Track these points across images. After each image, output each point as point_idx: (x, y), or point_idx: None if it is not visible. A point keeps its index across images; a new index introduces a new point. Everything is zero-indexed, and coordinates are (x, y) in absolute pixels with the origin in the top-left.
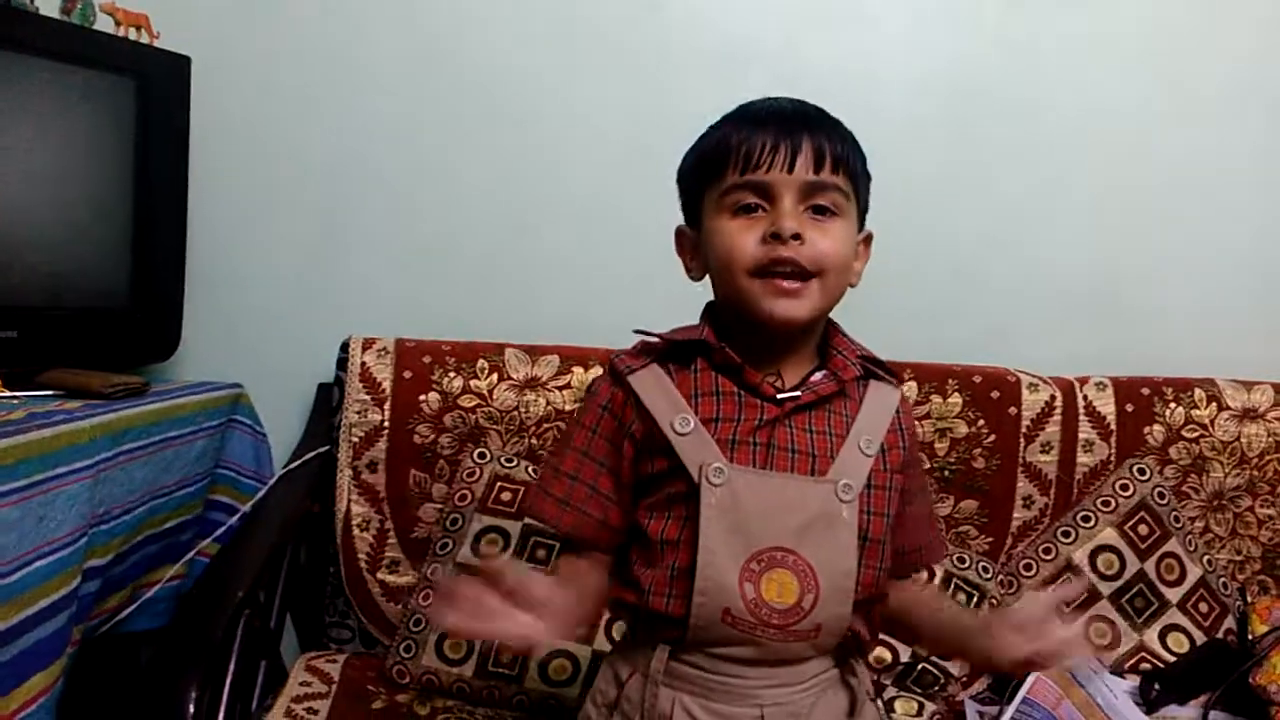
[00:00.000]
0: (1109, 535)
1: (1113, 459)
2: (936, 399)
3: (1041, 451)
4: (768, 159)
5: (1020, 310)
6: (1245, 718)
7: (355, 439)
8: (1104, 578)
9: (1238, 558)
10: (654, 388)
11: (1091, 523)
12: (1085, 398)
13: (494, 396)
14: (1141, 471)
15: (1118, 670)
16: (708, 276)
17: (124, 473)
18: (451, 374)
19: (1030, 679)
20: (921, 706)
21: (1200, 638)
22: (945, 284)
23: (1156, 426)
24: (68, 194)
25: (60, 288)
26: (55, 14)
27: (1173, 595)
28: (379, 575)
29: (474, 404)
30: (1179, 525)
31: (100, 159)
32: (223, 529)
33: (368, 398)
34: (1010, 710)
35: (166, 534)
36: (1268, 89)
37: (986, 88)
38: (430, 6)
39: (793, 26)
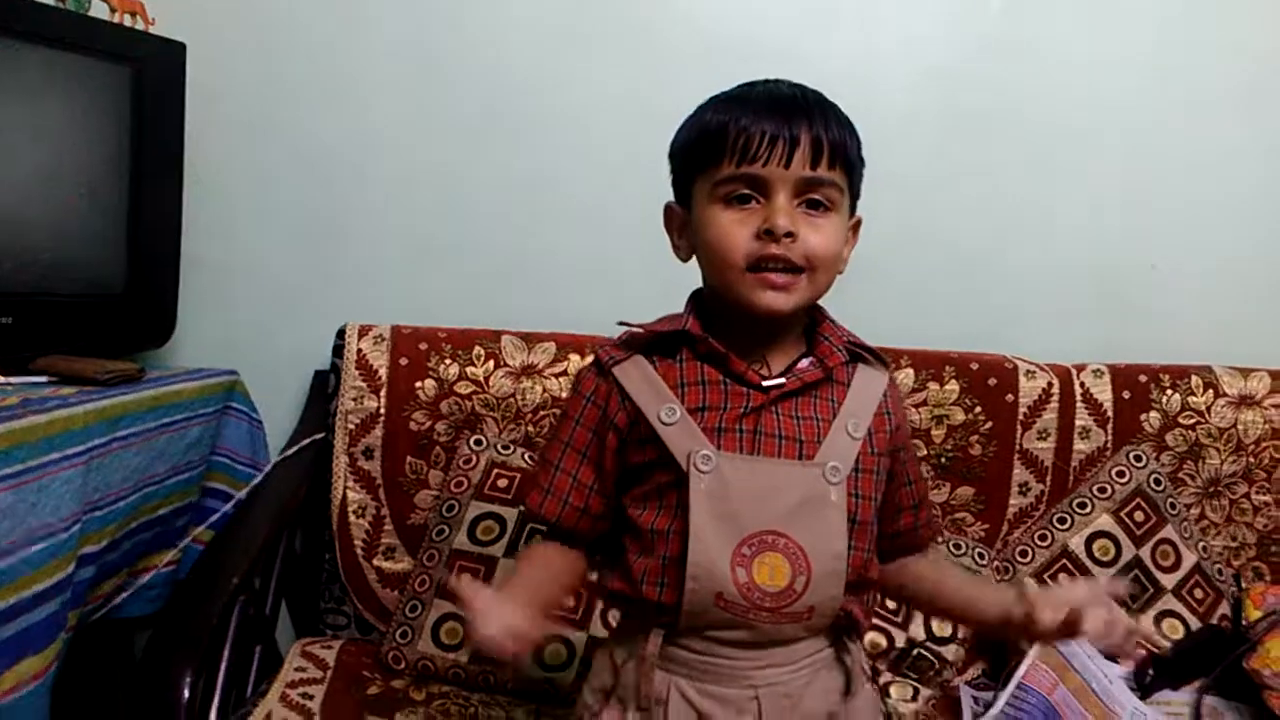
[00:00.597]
0: (1105, 522)
1: (1109, 446)
2: (934, 386)
3: (1038, 438)
4: (764, 152)
5: (1018, 298)
6: (1239, 702)
7: (351, 426)
8: (1100, 564)
9: (1233, 544)
10: (639, 379)
11: (1088, 509)
12: (1082, 385)
13: (490, 383)
14: (1138, 458)
15: (1112, 656)
16: (695, 258)
17: (118, 459)
18: (448, 361)
19: (1025, 664)
20: (916, 691)
21: (1195, 623)
22: (943, 272)
23: (1153, 413)
24: (62, 180)
25: (55, 274)
26: (50, 0)
27: (1168, 581)
28: (375, 562)
29: (470, 391)
30: (1175, 512)
31: (95, 146)
32: (217, 515)
33: (364, 384)
34: (1005, 695)
35: (161, 520)
36: (1264, 81)
37: (986, 79)
38: None
39: (792, 25)
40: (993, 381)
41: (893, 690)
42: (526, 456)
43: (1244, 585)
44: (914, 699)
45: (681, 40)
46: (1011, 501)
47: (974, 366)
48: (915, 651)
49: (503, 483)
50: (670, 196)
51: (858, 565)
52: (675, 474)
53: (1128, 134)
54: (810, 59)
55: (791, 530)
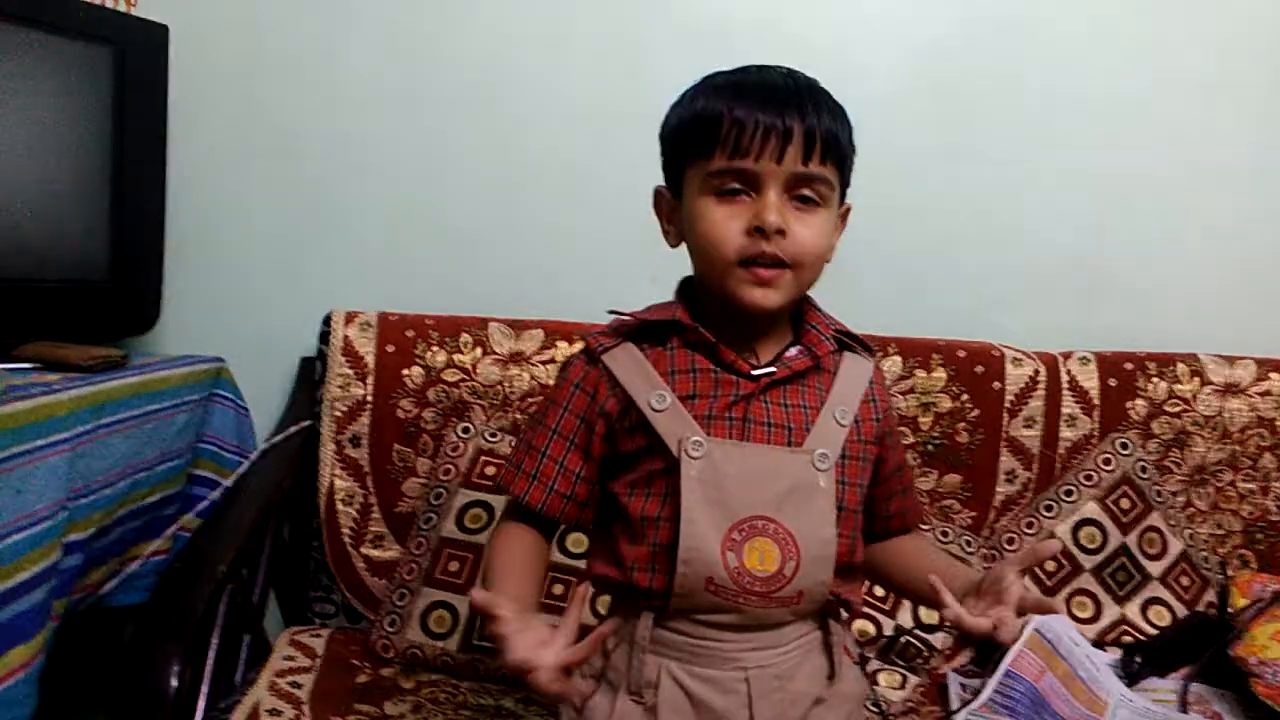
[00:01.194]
0: (1091, 509)
1: (1095, 433)
2: (920, 373)
3: (1025, 426)
4: (757, 146)
5: (1005, 285)
6: (1225, 689)
7: (338, 413)
8: (1086, 551)
9: (1219, 532)
10: (629, 366)
11: (1074, 497)
12: (1069, 372)
13: (478, 371)
14: (1124, 446)
15: (1099, 643)
16: (684, 245)
17: (103, 446)
18: (435, 348)
19: (1013, 652)
20: (905, 679)
21: (1181, 611)
22: (930, 259)
23: (1139, 401)
24: (44, 165)
25: (38, 260)
26: None
27: (1154, 569)
28: (363, 550)
29: (458, 378)
30: (1161, 499)
31: (77, 129)
32: (205, 503)
33: (350, 372)
34: (993, 683)
35: (149, 509)
36: (1255, 65)
37: (972, 63)
38: None
39: (774, 1)
40: (980, 369)
41: (881, 678)
42: (514, 444)
43: (1230, 573)
44: (902, 686)
45: (666, 18)
46: (998, 489)
47: (961, 354)
48: (903, 639)
49: (490, 470)
50: (660, 179)
51: (844, 551)
52: (666, 461)
53: (1115, 117)
54: (791, 37)
55: (781, 516)
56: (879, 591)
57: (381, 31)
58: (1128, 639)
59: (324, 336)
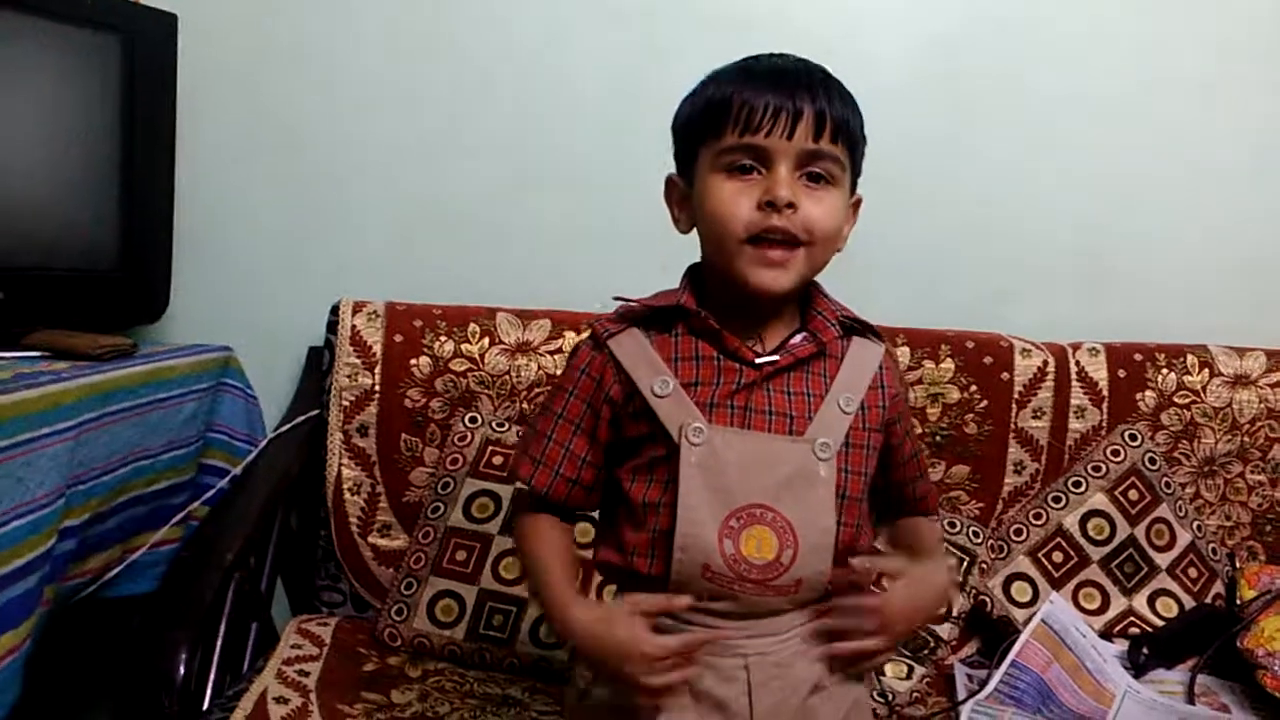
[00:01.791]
0: (1099, 500)
1: (1104, 425)
2: (929, 364)
3: (1033, 417)
4: (768, 123)
5: (1012, 277)
6: (1232, 681)
7: (346, 403)
8: (1094, 543)
9: (1227, 523)
10: (633, 351)
11: (1082, 488)
12: (1078, 363)
13: (485, 361)
14: (1133, 437)
15: (1106, 634)
16: (695, 231)
17: (107, 433)
18: (443, 338)
19: (1019, 643)
20: (911, 670)
21: (1189, 603)
22: (938, 250)
23: (1148, 392)
24: (54, 154)
25: (47, 249)
26: None
27: (1162, 560)
28: (370, 539)
29: (465, 368)
30: (1169, 491)
31: (86, 119)
32: (212, 492)
33: (358, 361)
34: (999, 674)
35: (156, 496)
36: (1258, 56)
37: (978, 55)
38: None
39: None
40: (988, 360)
41: (887, 669)
42: (521, 434)
43: (1238, 565)
44: (908, 677)
45: (673, 11)
46: (1006, 480)
47: (969, 345)
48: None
49: (498, 460)
50: (671, 168)
51: (847, 540)
52: (667, 447)
53: (1121, 112)
54: (798, 32)
55: (780, 505)
56: (885, 583)
57: (390, 21)
58: (1135, 630)
59: (332, 326)
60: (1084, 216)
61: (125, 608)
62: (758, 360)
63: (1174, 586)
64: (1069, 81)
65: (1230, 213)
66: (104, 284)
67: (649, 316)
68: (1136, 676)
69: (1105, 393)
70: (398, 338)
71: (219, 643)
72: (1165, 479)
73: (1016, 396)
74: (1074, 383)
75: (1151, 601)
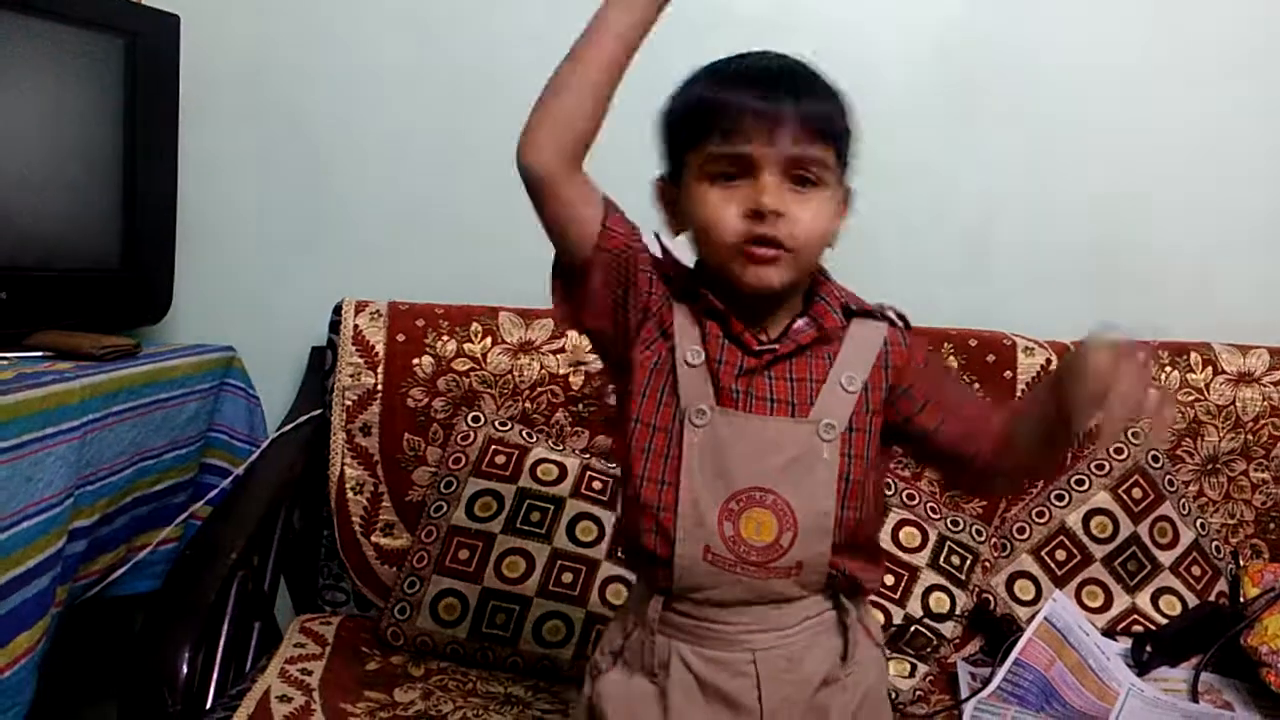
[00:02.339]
0: (1102, 499)
1: None
2: None
3: None
4: (750, 130)
5: (1017, 274)
6: (1236, 679)
7: (348, 402)
8: (1097, 541)
9: (1231, 521)
10: (682, 310)
11: (1085, 486)
12: None
13: (488, 360)
14: (1136, 435)
15: (1110, 633)
16: (687, 234)
17: (112, 434)
18: (445, 337)
19: (1022, 641)
20: (914, 668)
21: (1192, 601)
22: (941, 248)
23: (1151, 390)
24: (57, 154)
25: (50, 250)
26: None
27: (1165, 558)
28: (373, 538)
29: (467, 367)
30: (1173, 489)
31: (89, 119)
32: (215, 491)
33: (361, 361)
34: (1002, 671)
35: (158, 496)
36: (1269, 49)
37: (984, 49)
38: None
39: None
40: (991, 358)
41: (890, 667)
42: (524, 433)
43: (1242, 562)
44: (911, 675)
45: (679, 7)
46: None
47: (972, 343)
48: (913, 628)
49: (500, 459)
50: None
51: (850, 526)
52: (671, 419)
53: (1128, 106)
54: (800, 29)
55: (780, 487)
56: (889, 580)
57: (392, 21)
58: (1138, 628)
59: (334, 326)
60: (1088, 214)
61: (126, 606)
62: (758, 348)
63: (1177, 584)
64: (1075, 77)
65: (1238, 210)
66: (106, 284)
67: (676, 278)
68: (1140, 675)
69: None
70: (400, 337)
71: (222, 641)
72: (1169, 477)
73: (1019, 394)
74: None
75: (1155, 599)
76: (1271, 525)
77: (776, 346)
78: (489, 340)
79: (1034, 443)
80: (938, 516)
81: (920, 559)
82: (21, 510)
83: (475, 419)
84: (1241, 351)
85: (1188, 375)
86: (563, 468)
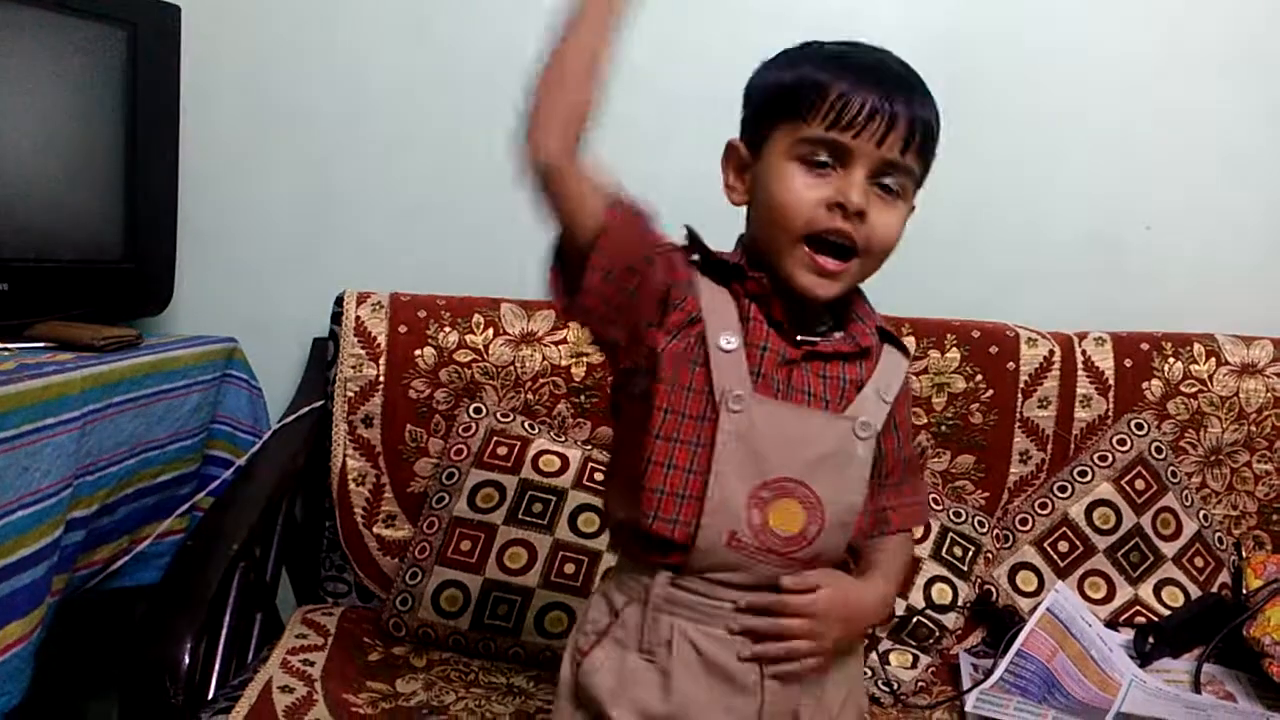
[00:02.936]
0: (1105, 490)
1: (1110, 414)
2: (935, 354)
3: (1039, 406)
4: (861, 123)
5: (1020, 266)
6: (1239, 670)
7: (350, 394)
8: (1100, 532)
9: (1234, 513)
10: (713, 296)
11: (1088, 478)
12: (1084, 353)
13: (489, 351)
14: (1139, 427)
15: (1112, 624)
16: (746, 207)
17: (113, 425)
18: (447, 329)
19: (1025, 632)
20: (916, 659)
21: (1195, 592)
22: (944, 239)
23: (1155, 381)
24: (58, 145)
25: (51, 241)
26: None
27: (1168, 550)
28: (375, 530)
29: (469, 359)
30: (1176, 480)
31: (90, 110)
32: (217, 483)
33: (362, 352)
34: (1004, 662)
35: (161, 487)
36: (1270, 39)
37: (985, 38)
38: None
39: None
40: (994, 349)
41: (892, 658)
42: (526, 424)
43: (1245, 554)
44: (913, 666)
45: (677, 3)
46: (1012, 470)
47: (975, 334)
48: (915, 619)
49: (502, 451)
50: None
51: (861, 524)
52: (705, 406)
53: (1132, 97)
54: (803, 19)
55: (812, 480)
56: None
57: (394, 12)
58: (1141, 620)
59: (336, 317)
60: (1091, 205)
61: (130, 598)
62: (799, 339)
63: (1180, 576)
64: (1079, 68)
65: (1240, 201)
66: (108, 275)
67: (709, 266)
68: (1142, 666)
69: (1111, 382)
70: (402, 328)
71: (224, 632)
72: (1171, 468)
73: (1022, 386)
74: (1080, 372)
75: (1157, 591)
76: (1274, 517)
77: (820, 340)
78: (491, 331)
79: None
80: (940, 508)
81: (922, 550)
82: (16, 500)
83: (477, 410)
84: (1245, 343)
85: (1191, 366)
86: (565, 459)
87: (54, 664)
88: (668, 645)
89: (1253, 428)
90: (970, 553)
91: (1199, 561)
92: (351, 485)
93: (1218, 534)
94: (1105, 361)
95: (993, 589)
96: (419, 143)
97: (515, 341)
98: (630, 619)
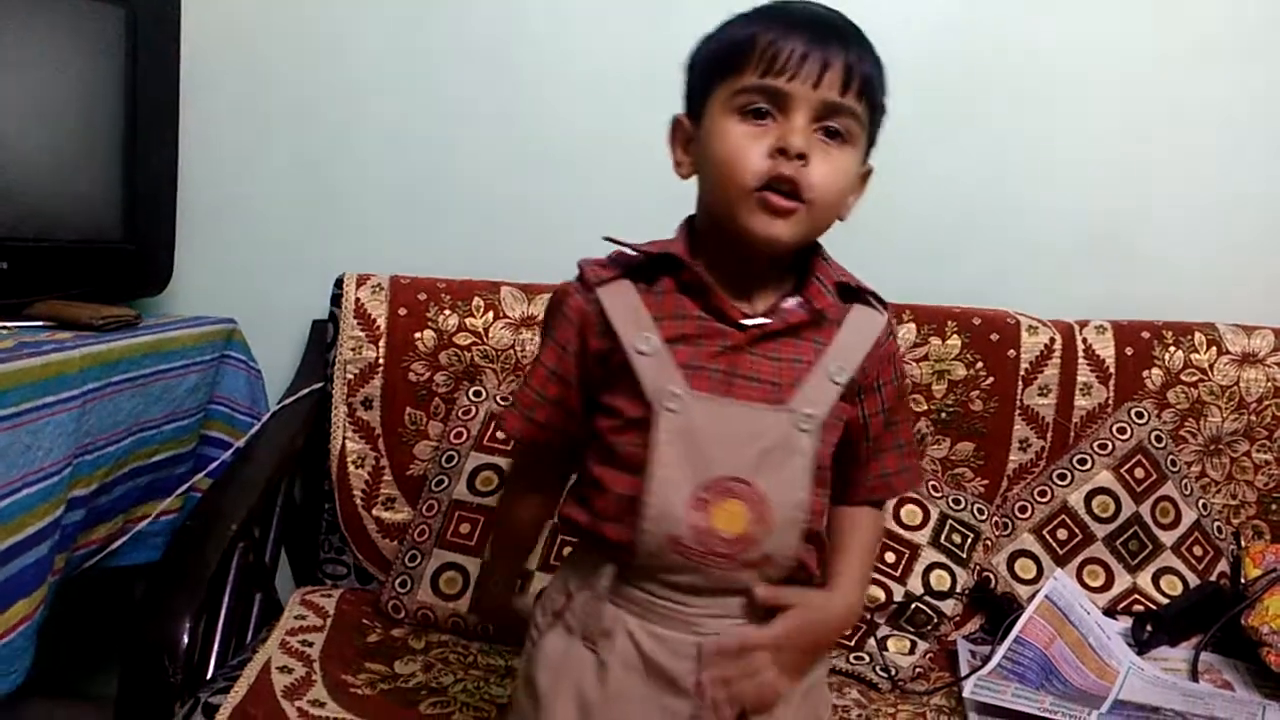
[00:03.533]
0: (1105, 478)
1: (1111, 402)
2: (935, 341)
3: (1039, 394)
4: (794, 66)
5: (1021, 253)
6: (1236, 659)
7: (350, 376)
8: (1099, 520)
9: (1233, 502)
10: (622, 303)
11: (1088, 466)
12: (1085, 341)
13: (489, 335)
14: (1139, 415)
15: (1111, 612)
16: (695, 178)
17: (112, 404)
18: (447, 311)
19: (1023, 619)
20: (914, 645)
21: (1194, 581)
22: (946, 226)
23: (1155, 370)
24: (58, 125)
25: (51, 220)
26: None
27: (1167, 538)
28: (374, 512)
29: (469, 342)
30: (1175, 469)
31: (90, 89)
32: (216, 464)
33: (362, 334)
34: (1002, 649)
35: (157, 467)
36: (1272, 29)
37: (987, 26)
38: None
39: None
40: (995, 337)
41: (890, 644)
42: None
43: (1243, 543)
44: (911, 652)
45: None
46: (1011, 457)
47: (976, 321)
48: (913, 605)
49: (502, 434)
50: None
51: (817, 512)
52: (643, 409)
53: (1136, 84)
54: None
55: (756, 477)
56: (890, 558)
57: None
58: (1139, 608)
59: (336, 299)
60: (1094, 193)
61: (126, 576)
62: (744, 322)
63: (1179, 564)
64: (1081, 55)
65: (1243, 190)
66: (108, 255)
67: (640, 266)
68: (1140, 654)
69: (1112, 370)
70: (402, 311)
71: (223, 612)
72: (1171, 457)
73: (1023, 373)
74: (1081, 360)
75: (1156, 579)
76: (1273, 506)
77: (766, 321)
78: (491, 315)
79: None
80: (939, 494)
81: (921, 537)
82: (21, 478)
83: (477, 393)
84: (1246, 332)
85: (1192, 355)
86: None
87: (52, 642)
88: (609, 636)
89: (1253, 417)
90: (969, 540)
91: (1198, 550)
92: (351, 467)
93: (1217, 523)
94: (1106, 350)
95: (991, 576)
96: (421, 124)
97: (515, 325)
98: (579, 605)
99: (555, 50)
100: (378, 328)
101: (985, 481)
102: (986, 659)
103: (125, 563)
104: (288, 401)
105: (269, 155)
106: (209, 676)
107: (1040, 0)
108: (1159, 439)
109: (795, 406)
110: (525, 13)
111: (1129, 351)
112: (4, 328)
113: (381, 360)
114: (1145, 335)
